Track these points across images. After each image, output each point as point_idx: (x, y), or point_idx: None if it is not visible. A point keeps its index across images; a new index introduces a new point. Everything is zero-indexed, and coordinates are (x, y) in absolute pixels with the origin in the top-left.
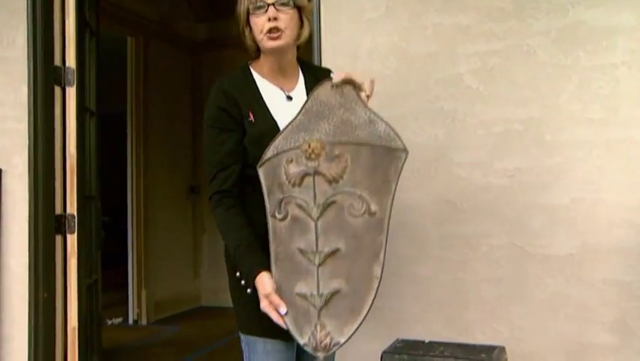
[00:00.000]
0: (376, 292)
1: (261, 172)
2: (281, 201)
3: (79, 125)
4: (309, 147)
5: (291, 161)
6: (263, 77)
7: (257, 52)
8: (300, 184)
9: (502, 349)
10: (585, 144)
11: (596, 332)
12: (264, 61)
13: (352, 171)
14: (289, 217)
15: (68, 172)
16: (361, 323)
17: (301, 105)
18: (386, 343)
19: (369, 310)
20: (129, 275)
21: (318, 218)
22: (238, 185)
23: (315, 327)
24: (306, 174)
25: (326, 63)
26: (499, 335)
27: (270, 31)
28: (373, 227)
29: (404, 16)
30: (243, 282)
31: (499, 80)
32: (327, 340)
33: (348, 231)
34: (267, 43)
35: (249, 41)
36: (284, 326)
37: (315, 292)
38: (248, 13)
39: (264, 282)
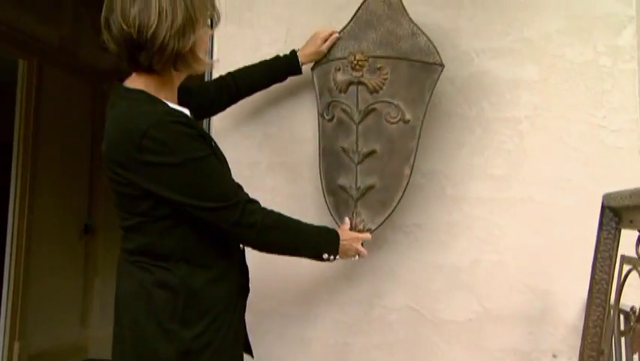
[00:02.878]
0: (405, 190)
1: (314, 74)
2: (329, 104)
3: None
4: (355, 58)
5: (339, 69)
6: (168, 101)
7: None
8: (345, 91)
9: None
10: (486, 201)
11: None
12: (167, 82)
13: (391, 83)
14: (335, 119)
15: None
16: (389, 215)
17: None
18: None
19: (397, 205)
20: (1, 325)
21: (359, 122)
22: None
23: (352, 214)
24: (351, 83)
25: None
26: None
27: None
28: (406, 133)
29: None
30: (326, 255)
31: None
32: (361, 225)
33: (385, 135)
34: (208, 63)
35: (186, 51)
36: (363, 255)
37: (353, 185)
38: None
39: (343, 230)
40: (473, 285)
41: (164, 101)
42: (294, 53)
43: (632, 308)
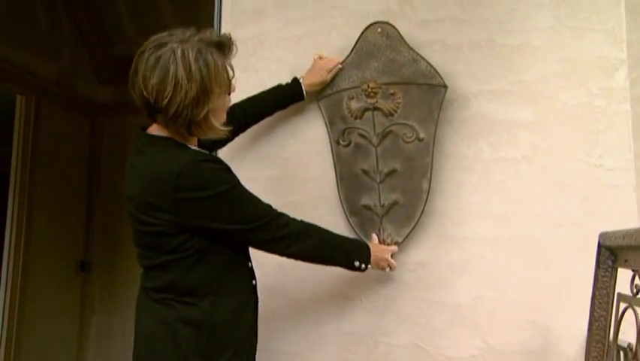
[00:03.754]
0: (425, 203)
1: (321, 105)
2: (344, 130)
3: None
4: (369, 87)
5: (352, 98)
6: (191, 145)
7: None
8: (361, 117)
9: None
10: (486, 239)
11: None
12: (190, 137)
13: (404, 106)
14: (352, 144)
15: None
16: (414, 228)
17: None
18: None
19: (420, 217)
20: None
21: (378, 145)
22: None
23: (379, 230)
24: (366, 109)
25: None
26: None
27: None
28: (422, 150)
29: None
30: (357, 263)
31: None
32: (389, 240)
33: (403, 154)
34: (226, 127)
35: (200, 119)
36: (393, 267)
37: (377, 203)
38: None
39: (373, 243)
40: (476, 322)
41: (189, 145)
42: (296, 80)
43: (629, 345)
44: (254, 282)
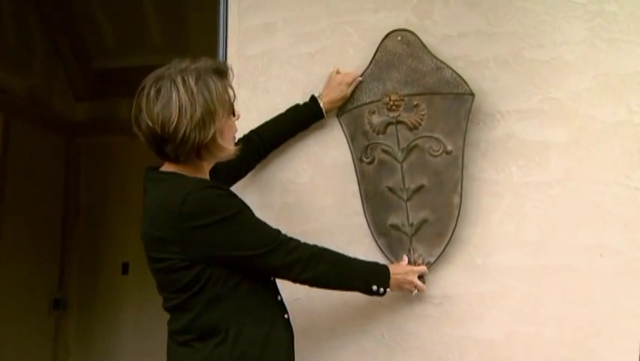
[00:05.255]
0: (457, 219)
1: (342, 121)
2: (367, 147)
3: None
4: (390, 99)
5: (374, 112)
6: None
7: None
8: (384, 132)
9: None
10: (519, 269)
11: None
12: (197, 169)
13: (429, 118)
14: (376, 161)
15: None
16: (446, 246)
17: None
18: None
19: (452, 234)
20: None
21: (403, 160)
22: None
23: (409, 251)
24: (389, 123)
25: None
26: None
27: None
28: (450, 164)
29: None
30: (375, 287)
31: None
32: (420, 260)
33: (430, 168)
34: (231, 150)
35: (207, 141)
36: (421, 289)
37: (406, 223)
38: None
39: (397, 265)
40: (510, 359)
41: (195, 176)
42: (314, 99)
43: None
44: (286, 316)
